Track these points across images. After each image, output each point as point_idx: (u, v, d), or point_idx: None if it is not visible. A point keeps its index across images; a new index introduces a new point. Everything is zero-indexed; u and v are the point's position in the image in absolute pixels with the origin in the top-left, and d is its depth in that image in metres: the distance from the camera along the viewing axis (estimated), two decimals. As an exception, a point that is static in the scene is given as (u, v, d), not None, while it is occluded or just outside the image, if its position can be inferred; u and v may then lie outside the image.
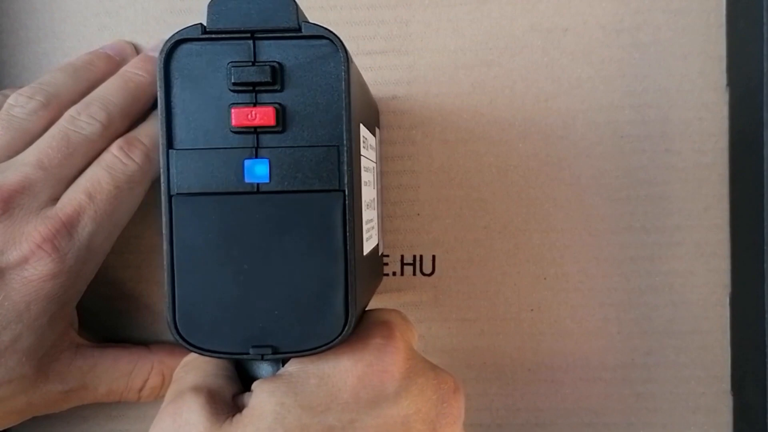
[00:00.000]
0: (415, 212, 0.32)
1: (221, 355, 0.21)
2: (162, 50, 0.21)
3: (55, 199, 0.26)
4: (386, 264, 0.33)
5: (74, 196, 0.26)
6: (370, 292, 0.27)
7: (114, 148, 0.27)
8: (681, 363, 0.33)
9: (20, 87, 0.31)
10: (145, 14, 0.32)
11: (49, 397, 0.28)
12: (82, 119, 0.27)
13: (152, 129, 0.29)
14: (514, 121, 0.32)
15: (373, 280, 0.28)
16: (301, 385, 0.21)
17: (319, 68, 0.21)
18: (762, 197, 0.29)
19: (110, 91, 0.29)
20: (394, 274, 0.33)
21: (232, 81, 0.20)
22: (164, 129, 0.21)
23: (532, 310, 0.33)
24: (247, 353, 0.21)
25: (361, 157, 0.23)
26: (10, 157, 0.27)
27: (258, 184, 0.21)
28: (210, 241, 0.21)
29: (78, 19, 0.33)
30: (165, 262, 0.21)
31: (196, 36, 0.21)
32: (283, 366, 0.23)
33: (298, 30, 0.20)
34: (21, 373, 0.26)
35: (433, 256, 0.33)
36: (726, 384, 0.32)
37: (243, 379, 0.24)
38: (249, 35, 0.20)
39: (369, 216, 0.25)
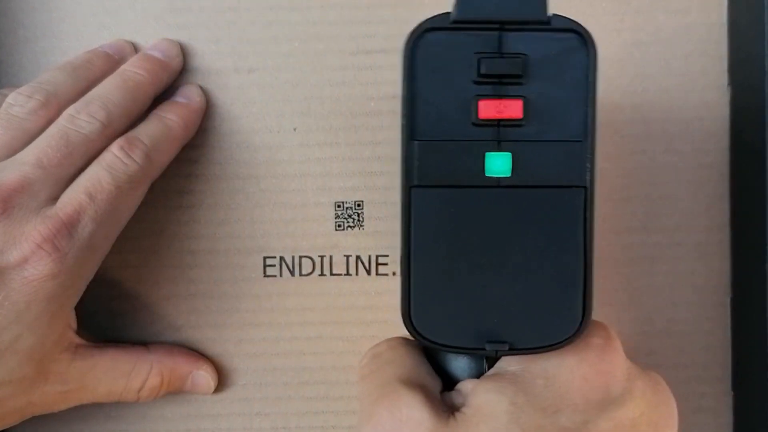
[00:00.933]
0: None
1: (455, 350, 0.21)
2: (409, 38, 0.20)
3: (54, 199, 0.27)
4: (386, 264, 0.33)
5: (74, 196, 0.27)
6: None
7: (114, 148, 0.28)
8: (682, 363, 0.33)
9: (18, 86, 0.31)
10: (145, 13, 0.33)
11: (48, 397, 0.28)
12: (82, 118, 0.28)
13: (152, 129, 0.29)
14: (515, 120, 0.32)
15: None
16: (530, 385, 0.21)
17: (565, 62, 0.20)
18: (763, 197, 0.30)
19: (109, 90, 0.29)
20: (394, 274, 0.33)
21: (481, 72, 0.20)
22: (407, 119, 0.21)
23: (532, 310, 0.33)
24: (483, 348, 0.21)
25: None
26: (8, 156, 0.27)
27: (499, 178, 0.20)
28: (448, 234, 0.20)
29: (76, 18, 0.33)
30: (401, 254, 0.21)
31: (443, 25, 0.20)
32: (487, 365, 0.22)
33: (547, 23, 0.20)
34: (21, 373, 0.26)
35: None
36: (727, 384, 0.33)
37: (445, 377, 0.23)
38: (498, 26, 0.20)
39: None
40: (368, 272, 0.33)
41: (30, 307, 0.26)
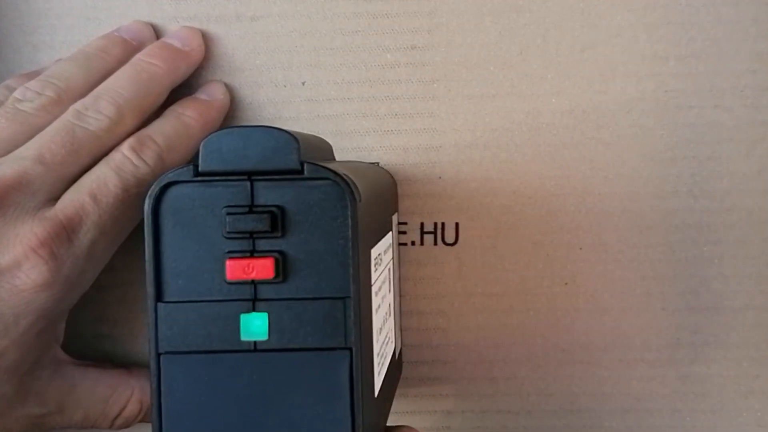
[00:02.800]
0: (436, 175, 0.30)
1: None
2: (150, 193, 0.20)
3: (54, 200, 0.25)
4: (404, 233, 0.31)
5: (77, 197, 0.25)
6: (387, 414, 0.25)
7: (124, 148, 0.26)
8: (732, 342, 0.31)
9: (20, 76, 0.29)
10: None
11: (25, 421, 0.26)
12: (90, 114, 0.26)
13: (166, 127, 0.27)
14: (547, 73, 0.30)
15: (389, 399, 0.26)
16: None
17: (322, 212, 0.20)
18: (824, 157, 0.27)
19: (121, 84, 0.27)
20: (413, 243, 0.31)
21: (227, 230, 0.19)
22: (152, 279, 0.19)
23: (566, 283, 0.31)
24: None
25: (371, 281, 0.21)
26: (11, 152, 0.25)
27: (255, 341, 0.19)
28: (202, 405, 0.19)
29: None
30: (152, 427, 0.19)
31: (187, 178, 0.19)
32: None
33: (300, 171, 0.19)
34: (0, 392, 0.24)
35: (456, 224, 0.31)
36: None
37: None
38: (246, 177, 0.19)
39: (382, 338, 0.24)
40: (384, 241, 0.31)
41: (18, 320, 0.24)
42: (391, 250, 0.27)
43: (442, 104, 0.30)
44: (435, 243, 0.31)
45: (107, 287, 0.30)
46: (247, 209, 0.19)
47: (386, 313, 0.25)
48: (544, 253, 0.31)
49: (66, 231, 0.24)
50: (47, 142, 0.25)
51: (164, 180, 0.19)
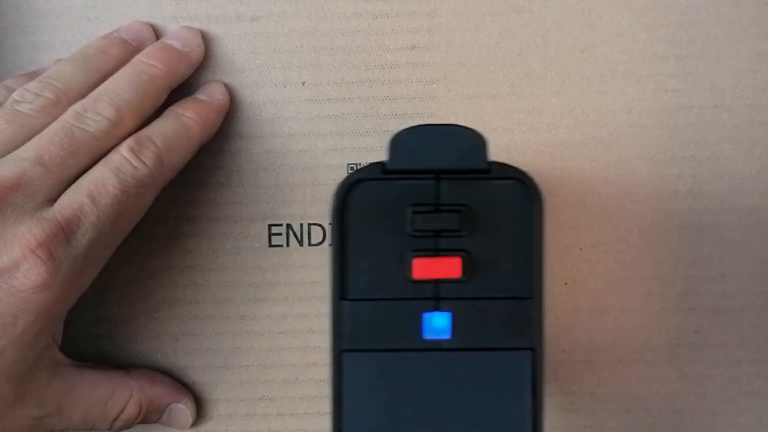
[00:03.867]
0: (436, 175, 0.31)
1: None
2: (338, 190, 0.20)
3: (53, 201, 0.25)
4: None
5: (75, 198, 0.25)
6: None
7: (123, 149, 0.26)
8: (732, 342, 0.31)
9: (20, 76, 0.29)
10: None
11: (23, 422, 0.26)
12: (89, 116, 0.26)
13: (166, 128, 0.28)
14: (547, 73, 0.31)
15: None
16: None
17: (507, 211, 0.20)
18: (824, 157, 0.28)
19: (120, 85, 0.27)
20: (413, 243, 0.31)
21: (414, 227, 0.19)
22: (337, 276, 0.20)
23: (566, 283, 0.31)
24: None
25: None
26: (9, 152, 0.25)
27: (438, 340, 0.19)
28: (383, 403, 0.19)
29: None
30: (331, 422, 0.20)
31: (376, 175, 0.20)
32: None
33: (487, 171, 0.19)
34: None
35: (457, 224, 0.31)
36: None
37: None
38: (433, 176, 0.19)
39: None
40: (384, 242, 0.31)
41: (16, 321, 0.24)
42: None
43: (443, 104, 0.31)
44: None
45: (106, 287, 0.30)
46: (433, 208, 0.19)
47: None
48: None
49: (64, 232, 0.24)
50: (46, 143, 0.25)
51: (353, 177, 0.20)
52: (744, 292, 0.31)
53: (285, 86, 0.31)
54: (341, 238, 0.20)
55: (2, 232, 0.24)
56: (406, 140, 0.19)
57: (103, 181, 0.25)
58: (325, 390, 0.31)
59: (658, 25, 0.30)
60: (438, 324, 0.19)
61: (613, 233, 0.31)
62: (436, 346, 0.19)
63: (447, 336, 0.19)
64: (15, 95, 0.27)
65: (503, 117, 0.31)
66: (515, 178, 0.19)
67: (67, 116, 0.26)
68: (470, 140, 0.19)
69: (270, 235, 0.31)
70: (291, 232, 0.31)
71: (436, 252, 0.19)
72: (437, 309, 0.19)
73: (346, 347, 0.20)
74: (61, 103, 0.27)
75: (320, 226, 0.31)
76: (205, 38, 0.30)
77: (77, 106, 0.26)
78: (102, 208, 0.25)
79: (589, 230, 0.31)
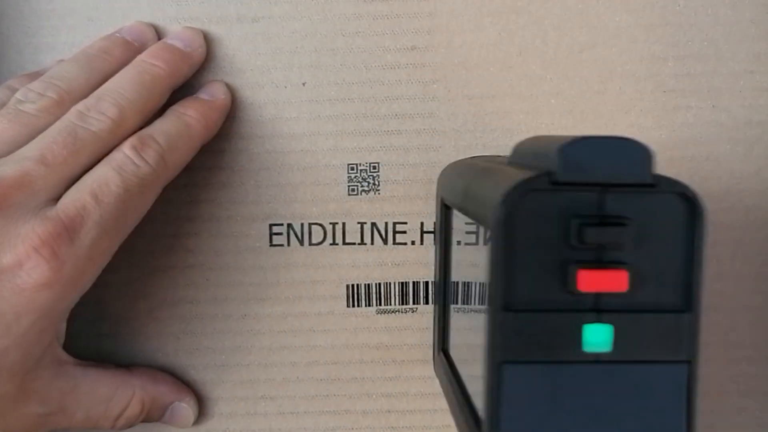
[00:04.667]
0: (436, 175, 0.31)
1: None
2: (506, 199, 0.19)
3: (56, 199, 0.25)
4: (404, 232, 0.31)
5: (78, 197, 0.25)
6: None
7: (126, 147, 0.26)
8: (731, 341, 0.31)
9: (22, 76, 0.30)
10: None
11: (27, 420, 0.26)
12: (92, 115, 0.26)
13: (168, 126, 0.28)
14: (546, 74, 0.31)
15: None
16: None
17: (669, 225, 0.20)
18: (821, 157, 0.28)
19: (123, 85, 0.28)
20: (412, 243, 0.31)
21: (579, 239, 0.19)
22: (497, 287, 0.19)
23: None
24: None
25: None
26: (12, 152, 0.26)
27: (598, 353, 0.19)
28: (542, 415, 0.19)
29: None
30: None
31: (542, 186, 0.19)
32: None
33: (651, 185, 0.19)
34: (2, 392, 0.25)
35: (456, 224, 0.31)
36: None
37: None
38: (599, 188, 0.19)
39: None
40: (384, 241, 0.31)
41: (20, 320, 0.24)
42: None
43: (443, 104, 0.31)
44: (435, 243, 0.31)
45: (108, 286, 0.31)
46: (598, 220, 0.19)
47: None
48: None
49: (67, 230, 0.24)
50: (49, 142, 0.25)
51: (521, 187, 0.19)
52: (742, 291, 0.31)
53: (286, 87, 0.31)
54: (506, 247, 0.19)
55: (6, 230, 0.24)
56: (574, 151, 0.19)
57: (105, 180, 0.26)
58: (326, 389, 0.32)
59: (656, 26, 0.31)
60: (599, 336, 0.19)
61: (612, 233, 0.31)
62: (596, 359, 0.19)
63: (608, 348, 0.19)
64: (18, 95, 0.27)
65: (503, 117, 0.31)
66: (679, 193, 0.20)
67: (70, 116, 0.26)
68: (637, 153, 0.19)
69: (271, 234, 0.31)
70: (292, 232, 0.31)
71: (600, 264, 0.19)
72: (599, 321, 0.19)
73: (505, 359, 0.19)
74: (64, 103, 0.27)
75: (321, 225, 0.31)
76: (207, 39, 0.31)
77: (80, 106, 0.27)
78: (105, 207, 0.25)
79: (588, 230, 0.31)
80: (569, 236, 0.19)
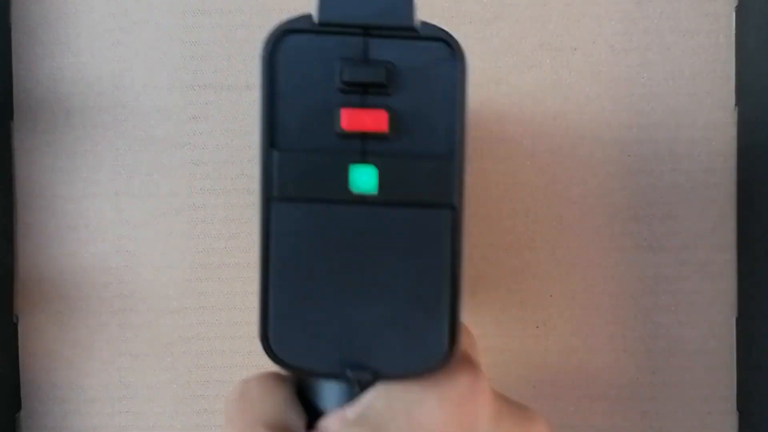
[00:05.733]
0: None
1: (314, 375, 0.21)
2: (268, 40, 0.20)
3: None
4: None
5: None
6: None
7: None
8: (687, 382, 0.35)
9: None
10: (159, 30, 0.35)
11: None
12: None
13: None
14: (522, 138, 0.35)
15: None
16: (390, 423, 0.20)
17: (432, 73, 0.20)
18: (769, 218, 0.31)
19: None
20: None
21: (343, 79, 0.20)
22: (266, 125, 0.20)
23: (537, 326, 0.35)
24: (344, 375, 0.20)
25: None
26: None
27: (363, 194, 0.20)
28: (308, 251, 0.20)
29: (93, 34, 0.35)
30: (259, 271, 0.20)
31: (304, 27, 0.20)
32: (361, 392, 0.22)
33: (414, 30, 0.20)
34: None
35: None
36: (732, 404, 0.35)
37: (306, 407, 0.23)
38: (362, 31, 0.20)
39: None
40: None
41: None
42: None
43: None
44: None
45: (127, 326, 0.35)
46: (362, 61, 0.20)
47: None
48: (518, 300, 0.35)
49: None
50: None
51: (282, 27, 0.20)
52: (698, 337, 0.35)
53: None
54: (270, 88, 0.20)
55: None
56: None
57: None
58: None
59: (623, 96, 0.34)
60: (364, 178, 0.20)
61: (581, 283, 0.35)
62: (362, 200, 0.20)
63: (373, 191, 0.20)
64: None
65: (482, 177, 0.35)
66: (442, 40, 0.20)
67: None
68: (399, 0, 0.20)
69: (274, 280, 0.35)
70: (293, 278, 0.35)
71: (364, 106, 0.20)
72: (364, 161, 0.20)
73: (274, 195, 0.20)
74: None
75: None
76: (218, 106, 0.35)
77: None
78: None
79: (559, 280, 0.35)
80: (335, 78, 0.20)
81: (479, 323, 0.35)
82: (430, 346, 0.20)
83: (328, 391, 0.22)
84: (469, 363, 0.22)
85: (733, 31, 0.34)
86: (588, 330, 0.35)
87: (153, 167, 0.35)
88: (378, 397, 0.21)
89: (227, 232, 0.35)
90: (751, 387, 0.34)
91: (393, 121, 0.20)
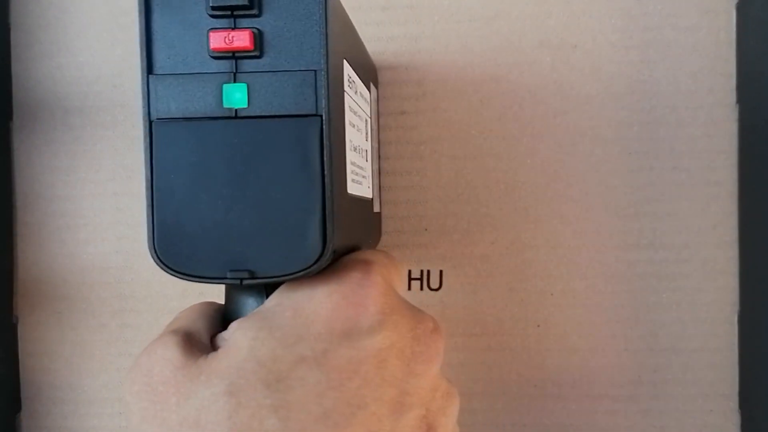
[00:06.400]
0: (422, 227, 0.35)
1: (199, 280, 0.22)
2: None
3: None
4: (394, 278, 0.35)
5: None
6: (359, 236, 0.28)
7: None
8: (688, 380, 0.35)
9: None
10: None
11: None
12: None
13: None
14: (523, 137, 0.35)
15: (363, 226, 0.29)
16: (277, 318, 0.22)
17: None
18: (770, 215, 0.31)
19: None
20: (401, 288, 0.35)
21: (210, 4, 0.21)
22: (144, 54, 0.22)
23: (538, 326, 0.35)
24: (225, 277, 0.22)
25: (345, 93, 0.24)
26: None
27: (236, 109, 0.22)
28: (189, 166, 0.22)
29: (92, 33, 0.35)
30: (144, 187, 0.22)
31: None
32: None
33: None
34: None
35: (441, 272, 0.35)
36: (734, 402, 0.35)
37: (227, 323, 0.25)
38: None
39: (356, 160, 0.27)
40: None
41: None
42: (369, 110, 0.30)
43: (429, 163, 0.35)
44: (421, 288, 0.35)
45: (126, 326, 0.35)
46: None
47: (364, 150, 0.29)
48: (518, 299, 0.35)
49: None
50: None
51: None
52: (699, 335, 0.35)
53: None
54: (147, 18, 0.22)
55: None
56: None
57: None
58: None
59: (624, 94, 0.34)
60: (236, 94, 0.22)
61: (581, 281, 0.35)
62: (235, 114, 0.22)
63: (244, 105, 0.22)
64: None
65: (483, 175, 0.35)
66: None
67: None
68: None
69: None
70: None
71: (233, 29, 0.22)
72: (234, 81, 0.22)
73: (155, 117, 0.22)
74: None
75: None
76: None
77: None
78: None
79: (560, 278, 0.35)
80: (206, 4, 0.22)
81: (480, 322, 0.35)
82: (305, 248, 0.22)
83: (237, 305, 0.25)
84: (363, 262, 0.24)
85: (734, 28, 0.34)
86: (589, 329, 0.35)
87: (152, 167, 0.35)
88: (272, 298, 0.23)
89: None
90: (753, 385, 0.34)
91: (260, 39, 0.22)
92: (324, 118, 0.22)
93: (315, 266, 0.22)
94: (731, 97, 0.34)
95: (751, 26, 0.33)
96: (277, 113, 0.22)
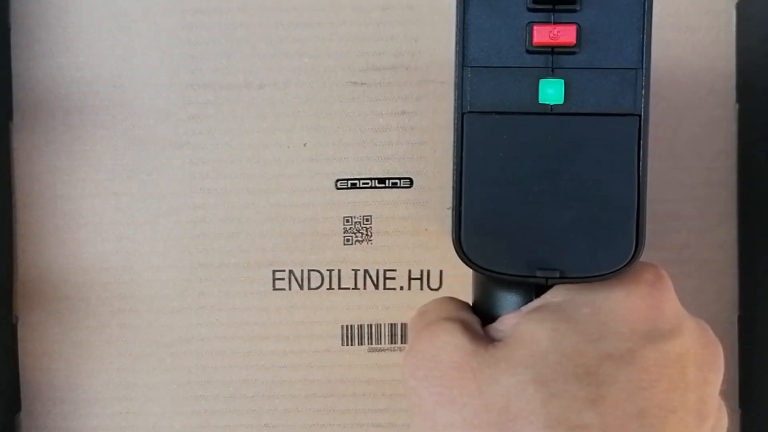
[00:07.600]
0: (423, 227, 0.35)
1: (505, 276, 0.22)
2: None
3: None
4: (393, 278, 0.36)
5: None
6: None
7: None
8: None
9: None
10: (157, 28, 0.35)
11: None
12: None
13: None
14: (523, 137, 0.35)
15: None
16: (574, 313, 0.22)
17: None
18: (771, 215, 0.32)
19: None
20: (401, 288, 0.36)
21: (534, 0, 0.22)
22: (460, 46, 0.22)
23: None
24: (534, 276, 0.22)
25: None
26: None
27: (551, 105, 0.22)
28: (500, 161, 0.22)
29: (91, 33, 0.36)
30: (453, 180, 0.23)
31: None
32: (534, 300, 0.23)
33: None
34: None
35: (441, 272, 0.35)
36: (734, 402, 0.35)
37: (483, 318, 0.25)
38: None
39: None
40: (376, 286, 0.36)
41: None
42: None
43: (429, 164, 0.35)
44: (421, 288, 0.36)
45: (126, 327, 0.35)
46: None
47: None
48: (519, 298, 0.35)
49: None
50: None
51: None
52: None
53: (288, 147, 0.35)
54: (464, 10, 0.22)
55: None
56: None
57: None
58: (322, 419, 0.36)
59: (623, 94, 0.35)
60: (552, 90, 0.22)
61: (582, 281, 0.35)
62: (550, 110, 0.22)
63: (560, 101, 0.22)
64: None
65: (483, 175, 0.35)
66: None
67: None
68: None
69: (274, 279, 0.36)
70: (293, 278, 0.36)
71: (553, 22, 0.22)
72: (552, 76, 0.22)
73: (467, 109, 0.22)
74: None
75: (319, 272, 0.36)
76: (218, 103, 0.35)
77: None
78: None
79: (560, 278, 0.35)
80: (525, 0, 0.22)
81: (480, 322, 0.35)
82: (616, 248, 0.22)
83: (503, 300, 0.24)
84: (653, 265, 0.24)
85: (734, 28, 0.34)
86: (589, 329, 0.35)
87: (152, 167, 0.35)
88: (556, 293, 0.23)
89: (227, 232, 0.36)
90: (753, 385, 0.34)
91: (581, 35, 0.22)
92: (642, 117, 0.22)
93: (626, 266, 0.22)
94: (731, 96, 0.34)
95: (751, 25, 0.33)
96: (594, 111, 0.22)
